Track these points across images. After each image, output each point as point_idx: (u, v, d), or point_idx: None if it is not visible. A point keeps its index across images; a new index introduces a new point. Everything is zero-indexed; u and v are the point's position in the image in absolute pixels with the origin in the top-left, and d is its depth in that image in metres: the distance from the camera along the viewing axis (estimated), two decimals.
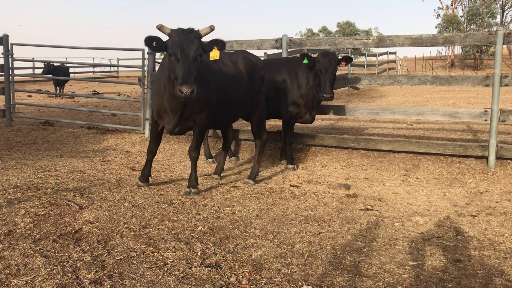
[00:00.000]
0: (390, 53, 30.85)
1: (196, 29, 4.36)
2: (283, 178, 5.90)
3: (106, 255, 3.18)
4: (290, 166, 6.36)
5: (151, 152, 5.16)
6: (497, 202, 4.87)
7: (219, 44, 4.47)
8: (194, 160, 4.98)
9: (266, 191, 5.11)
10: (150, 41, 4.32)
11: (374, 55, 28.16)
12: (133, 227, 3.76)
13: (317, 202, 4.75)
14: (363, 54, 28.05)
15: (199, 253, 3.23)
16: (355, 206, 4.63)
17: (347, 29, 52.75)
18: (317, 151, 7.07)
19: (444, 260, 3.22)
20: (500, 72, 5.96)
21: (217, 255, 3.21)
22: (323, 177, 5.94)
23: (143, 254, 3.22)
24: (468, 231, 3.87)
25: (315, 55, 6.35)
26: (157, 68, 11.97)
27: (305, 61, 6.27)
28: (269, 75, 6.30)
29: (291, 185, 5.48)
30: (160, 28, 4.31)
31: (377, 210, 4.48)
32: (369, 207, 4.60)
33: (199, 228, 3.74)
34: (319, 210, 4.44)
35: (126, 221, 3.90)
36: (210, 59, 4.50)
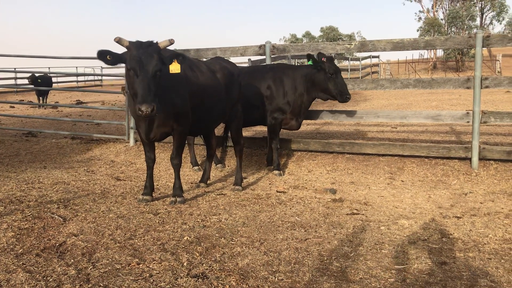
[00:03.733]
0: (373, 57, 31.18)
1: (155, 42, 4.25)
2: (270, 184, 5.90)
3: (90, 268, 3.13)
4: (276, 172, 6.35)
5: (150, 159, 5.02)
6: (481, 203, 4.92)
7: (179, 57, 4.35)
8: (176, 167, 4.94)
9: (252, 198, 5.10)
10: (102, 55, 4.20)
11: (358, 59, 28.41)
12: (118, 238, 3.72)
13: (304, 207, 4.75)
14: (347, 59, 28.27)
15: (185, 264, 3.20)
16: (341, 211, 4.64)
17: (331, 33, 53.14)
18: (303, 156, 7.09)
19: (429, 263, 3.24)
20: (480, 74, 6.04)
21: (204, 265, 3.19)
22: (309, 182, 5.95)
23: (129, 266, 3.18)
24: (453, 233, 3.90)
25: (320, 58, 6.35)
26: None
27: (310, 62, 6.27)
28: (253, 82, 6.31)
29: (277, 191, 5.48)
30: (119, 41, 4.15)
31: (363, 214, 4.50)
32: (355, 211, 4.62)
33: (185, 238, 3.71)
34: (305, 215, 4.44)
35: (111, 233, 3.85)
36: (170, 72, 4.36)
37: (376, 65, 34.36)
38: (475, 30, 5.91)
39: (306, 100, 6.44)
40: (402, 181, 5.95)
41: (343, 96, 6.19)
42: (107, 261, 3.25)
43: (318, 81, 6.28)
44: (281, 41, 54.97)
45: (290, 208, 4.71)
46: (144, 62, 4.02)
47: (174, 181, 5.00)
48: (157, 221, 4.18)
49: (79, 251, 3.43)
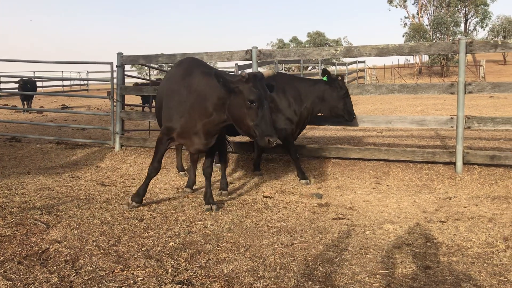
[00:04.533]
0: (359, 62, 31.41)
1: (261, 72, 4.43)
2: (256, 189, 5.89)
3: (74, 275, 3.09)
4: (303, 181, 6.11)
5: (155, 169, 4.92)
6: (465, 207, 4.97)
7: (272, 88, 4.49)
8: (209, 176, 5.05)
9: (239, 203, 5.09)
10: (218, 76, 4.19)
11: (344, 64, 28.60)
12: (102, 245, 3.68)
13: (290, 212, 4.75)
14: (333, 64, 28.45)
15: (170, 270, 3.18)
16: (327, 216, 4.65)
17: (317, 39, 53.41)
18: (289, 161, 7.10)
19: (414, 268, 3.26)
20: (464, 80, 6.12)
21: (188, 271, 3.17)
22: (296, 187, 5.96)
23: (113, 273, 3.15)
24: (438, 237, 3.93)
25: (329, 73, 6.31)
26: (127, 81, 11.90)
27: (324, 78, 6.15)
28: None
29: (264, 196, 5.48)
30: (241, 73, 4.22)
31: (348, 219, 4.52)
32: (340, 216, 4.63)
33: (170, 244, 3.69)
34: (291, 220, 4.44)
35: (95, 239, 3.81)
36: None
37: (362, 70, 34.63)
38: (459, 36, 5.98)
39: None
40: (388, 185, 5.98)
41: (351, 116, 6.15)
42: (91, 268, 3.21)
43: (329, 98, 6.15)
44: (268, 46, 55.09)
45: (276, 213, 4.71)
46: (265, 96, 4.13)
47: (205, 190, 5.00)
48: (142, 227, 4.14)
49: (62, 258, 3.39)
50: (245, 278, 3.08)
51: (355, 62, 31.28)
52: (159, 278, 3.06)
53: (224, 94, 4.22)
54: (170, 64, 14.67)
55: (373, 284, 2.99)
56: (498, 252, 3.55)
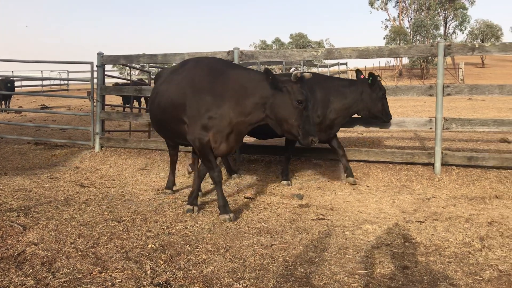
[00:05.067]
0: (341, 64, 31.65)
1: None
2: (237, 190, 5.89)
3: (50, 278, 3.05)
4: (350, 179, 6.11)
5: (220, 173, 4.71)
6: (443, 207, 5.04)
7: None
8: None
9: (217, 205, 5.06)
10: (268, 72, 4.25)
11: (326, 66, 28.77)
12: (80, 247, 3.64)
13: (271, 213, 4.76)
14: (315, 66, 28.61)
15: (148, 272, 3.15)
16: (307, 216, 4.67)
17: (300, 40, 53.69)
18: (271, 162, 7.11)
19: (392, 268, 3.30)
20: (442, 82, 6.21)
21: (167, 273, 3.15)
22: (277, 188, 5.97)
23: (90, 275, 3.11)
24: (416, 237, 3.98)
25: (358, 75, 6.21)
26: (108, 81, 11.77)
27: (369, 81, 5.96)
28: None
29: (245, 197, 5.47)
30: (297, 74, 4.24)
31: (328, 219, 4.54)
32: (321, 216, 4.66)
33: (150, 246, 3.66)
34: (272, 221, 4.45)
35: (73, 241, 3.76)
36: None
37: (344, 72, 34.91)
38: (438, 39, 6.08)
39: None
40: (367, 186, 6.04)
41: (388, 117, 6.11)
42: (68, 270, 3.17)
43: (367, 99, 6.00)
44: (251, 47, 55.22)
45: (257, 214, 4.71)
46: (310, 97, 4.27)
47: (193, 189, 5.00)
48: (121, 229, 4.10)
49: (38, 261, 3.34)
50: (225, 279, 3.07)
51: (337, 64, 31.51)
52: (138, 280, 3.03)
53: (268, 92, 4.27)
54: (152, 64, 14.56)
55: (352, 284, 3.01)
56: (474, 252, 3.61)
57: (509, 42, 6.20)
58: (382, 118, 6.13)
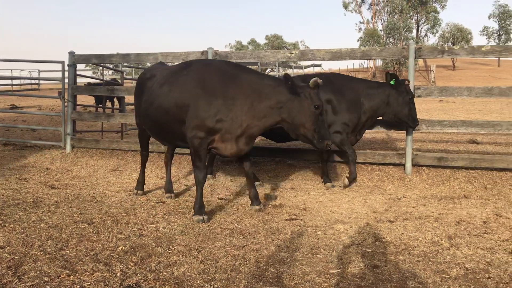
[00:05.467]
0: (316, 65, 31.91)
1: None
2: (211, 191, 5.87)
3: (16, 282, 2.97)
4: (348, 181, 5.94)
5: (205, 177, 4.76)
6: (413, 207, 5.13)
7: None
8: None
9: (192, 206, 5.03)
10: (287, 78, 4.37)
11: (301, 67, 28.95)
12: (49, 249, 3.56)
13: (244, 214, 4.76)
14: (290, 67, 28.76)
15: (118, 274, 3.11)
16: (280, 217, 4.68)
17: (275, 41, 53.92)
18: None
19: (362, 267, 3.34)
20: (413, 84, 6.32)
21: (138, 275, 3.11)
22: None
23: (58, 278, 3.05)
24: (386, 237, 4.03)
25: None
26: (80, 81, 11.57)
27: (392, 82, 5.85)
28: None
29: (218, 198, 5.46)
30: (315, 82, 4.36)
31: (301, 220, 4.57)
32: (293, 216, 4.68)
33: (120, 248, 3.61)
34: (245, 222, 4.45)
35: (41, 244, 3.68)
36: None
37: (318, 73, 35.15)
38: (409, 42, 6.23)
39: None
40: (340, 186, 6.09)
41: (415, 122, 5.95)
42: (35, 274, 3.10)
43: (394, 102, 5.89)
44: (227, 48, 55.15)
45: (231, 215, 4.70)
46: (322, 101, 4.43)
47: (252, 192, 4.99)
48: (91, 231, 4.04)
49: (4, 264, 3.25)
50: (196, 280, 3.05)
51: (312, 65, 31.74)
52: (107, 283, 2.99)
53: (286, 97, 4.35)
54: (125, 64, 14.38)
55: (323, 284, 3.04)
56: (442, 250, 3.68)
57: (477, 45, 6.36)
58: (408, 123, 5.97)
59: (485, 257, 3.53)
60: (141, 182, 5.66)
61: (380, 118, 6.21)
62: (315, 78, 4.40)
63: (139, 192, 5.56)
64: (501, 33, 56.26)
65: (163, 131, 4.95)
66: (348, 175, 5.98)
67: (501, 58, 51.17)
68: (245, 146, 4.59)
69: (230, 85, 4.46)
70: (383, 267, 3.34)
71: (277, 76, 6.08)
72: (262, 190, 5.87)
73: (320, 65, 33.49)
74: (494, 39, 56.28)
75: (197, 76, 4.63)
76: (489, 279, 3.11)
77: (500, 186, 5.87)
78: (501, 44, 37.24)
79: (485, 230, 4.21)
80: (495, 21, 57.29)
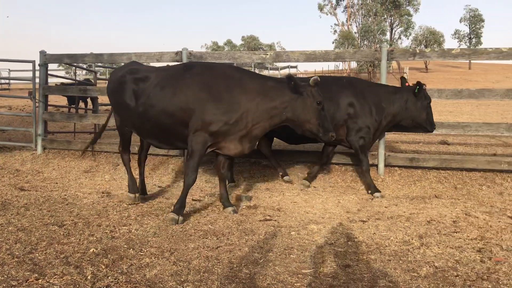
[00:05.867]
0: (292, 67, 32.08)
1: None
2: None
3: None
4: (377, 194, 5.72)
5: (195, 179, 4.72)
6: (385, 207, 5.21)
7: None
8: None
9: (166, 207, 5.00)
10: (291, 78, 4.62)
11: (277, 69, 29.07)
12: (17, 253, 3.48)
13: (218, 215, 4.75)
14: (266, 68, 28.85)
15: (89, 277, 3.06)
16: (254, 217, 4.69)
17: (251, 43, 54.01)
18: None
19: (334, 266, 3.37)
20: None
21: (109, 278, 3.07)
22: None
23: (26, 282, 2.98)
24: (358, 236, 4.08)
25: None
26: (53, 81, 11.33)
27: (416, 90, 5.75)
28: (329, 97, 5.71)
29: (193, 200, 5.43)
30: (315, 80, 4.61)
31: (275, 220, 4.58)
32: (268, 217, 4.69)
33: (91, 250, 3.55)
34: (219, 223, 4.44)
35: (9, 247, 3.59)
36: None
37: (294, 75, 35.34)
38: (384, 44, 6.35)
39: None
40: (314, 187, 6.14)
41: (432, 126, 5.87)
42: (2, 278, 3.02)
43: (412, 107, 5.81)
44: (203, 48, 54.95)
45: (204, 217, 4.69)
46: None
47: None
48: (61, 233, 3.96)
49: None
50: (168, 282, 3.03)
51: (287, 67, 31.90)
52: (77, 286, 2.94)
53: (290, 97, 4.57)
54: (98, 64, 14.17)
55: (295, 284, 3.06)
56: (413, 249, 3.74)
57: (447, 48, 6.50)
58: (426, 127, 5.90)
59: (454, 255, 3.61)
60: (133, 183, 5.29)
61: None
62: (315, 77, 4.66)
63: (136, 195, 5.22)
64: (472, 37, 57.61)
65: (163, 133, 4.84)
66: (369, 189, 5.87)
67: (472, 61, 52.48)
68: (249, 146, 4.74)
69: (235, 89, 4.59)
70: (355, 266, 3.38)
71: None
72: (237, 191, 5.87)
73: (295, 67, 33.70)
74: (465, 42, 57.61)
75: (202, 80, 4.68)
76: (457, 277, 3.18)
77: (470, 186, 6.00)
78: (471, 47, 38.13)
79: (455, 229, 4.30)
80: (466, 25, 58.65)
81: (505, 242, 3.91)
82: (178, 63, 6.70)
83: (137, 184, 5.36)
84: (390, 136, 9.32)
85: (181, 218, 4.45)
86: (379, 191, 5.75)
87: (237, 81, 4.64)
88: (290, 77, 4.60)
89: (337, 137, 5.61)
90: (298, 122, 4.62)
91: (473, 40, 57.31)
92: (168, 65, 5.63)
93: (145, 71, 5.09)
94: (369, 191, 5.82)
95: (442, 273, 3.25)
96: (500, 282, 3.09)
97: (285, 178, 6.20)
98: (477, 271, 3.29)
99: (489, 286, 3.04)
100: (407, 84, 6.03)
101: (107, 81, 5.38)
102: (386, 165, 6.52)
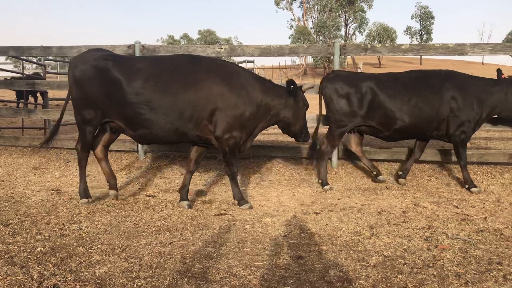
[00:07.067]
0: (249, 61, 32.06)
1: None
2: (139, 188, 5.75)
3: None
4: (475, 189, 5.61)
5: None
6: (338, 199, 5.31)
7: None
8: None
9: (119, 204, 4.91)
10: (291, 83, 5.01)
11: (233, 63, 28.94)
12: None
13: (172, 211, 4.70)
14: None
15: (35, 277, 2.96)
16: (209, 212, 4.67)
17: (208, 37, 53.64)
18: (175, 159, 7.02)
19: (287, 258, 3.40)
20: None
21: (57, 276, 2.97)
22: None
23: None
24: (311, 228, 4.14)
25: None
26: (0, 75, 10.86)
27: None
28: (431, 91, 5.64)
29: (146, 196, 5.35)
30: (302, 88, 5.19)
31: (230, 214, 4.58)
32: (223, 211, 4.68)
33: (38, 249, 3.43)
34: (173, 219, 4.39)
35: None
36: None
37: (251, 70, 35.41)
38: (336, 40, 6.45)
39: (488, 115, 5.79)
40: (270, 180, 6.19)
41: None
42: None
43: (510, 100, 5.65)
44: (159, 42, 54.10)
45: (158, 212, 4.63)
46: None
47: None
48: (7, 233, 3.81)
49: None
50: (119, 279, 2.97)
51: (245, 61, 31.86)
52: (23, 286, 2.83)
53: (287, 99, 4.99)
54: (48, 57, 13.69)
55: (248, 277, 3.07)
56: (363, 240, 3.84)
57: (397, 44, 6.67)
58: None
59: (403, 244, 3.73)
60: (85, 189, 4.98)
61: None
62: (308, 85, 5.37)
63: (89, 199, 4.94)
64: (423, 33, 59.56)
65: (166, 130, 4.67)
66: (466, 184, 5.72)
67: (423, 57, 54.19)
68: (251, 142, 5.14)
69: (249, 88, 4.85)
70: (307, 257, 3.43)
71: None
72: (193, 187, 5.83)
73: (253, 61, 33.72)
74: (417, 38, 59.52)
75: (219, 77, 4.75)
76: (405, 265, 3.29)
77: (419, 177, 6.21)
78: (419, 43, 39.34)
79: (404, 219, 4.44)
80: (417, 21, 60.58)
81: (451, 231, 4.07)
82: (172, 54, 6.52)
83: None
84: None
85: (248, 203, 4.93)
86: (476, 186, 5.65)
87: (248, 80, 4.90)
88: (290, 81, 4.99)
89: (438, 132, 5.69)
90: (290, 123, 5.07)
91: (424, 36, 59.28)
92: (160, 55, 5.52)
93: (137, 62, 4.82)
94: (466, 186, 5.69)
95: (391, 262, 3.35)
96: (445, 269, 3.21)
97: (379, 177, 5.98)
98: (424, 259, 3.41)
99: (435, 272, 3.15)
100: (503, 76, 5.89)
101: (71, 70, 4.79)
102: (339, 158, 6.64)
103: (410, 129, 5.67)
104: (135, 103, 4.58)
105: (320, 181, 5.88)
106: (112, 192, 5.02)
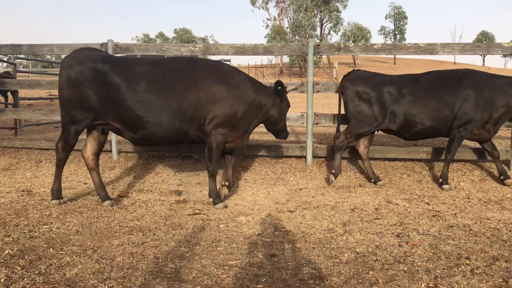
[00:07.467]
0: (225, 60, 32.01)
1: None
2: (112, 188, 5.67)
3: None
4: (446, 186, 5.74)
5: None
6: (312, 197, 5.35)
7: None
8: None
9: (91, 204, 4.84)
10: (280, 84, 5.24)
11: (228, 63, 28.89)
12: None
13: (146, 211, 4.65)
14: None
15: (2, 280, 2.89)
16: (183, 212, 4.65)
17: (184, 35, 53.35)
18: (149, 159, 6.96)
19: (261, 256, 3.41)
20: (312, 79, 6.57)
21: (25, 279, 2.91)
22: (155, 185, 5.86)
23: None
24: (285, 226, 4.16)
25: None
26: None
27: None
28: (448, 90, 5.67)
29: (119, 196, 5.29)
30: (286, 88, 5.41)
31: (204, 214, 4.57)
32: (197, 211, 4.67)
33: (6, 252, 3.36)
34: (146, 219, 4.35)
35: None
36: None
37: None
38: (310, 39, 6.52)
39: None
40: (245, 179, 6.19)
41: None
42: None
43: None
44: (134, 40, 53.53)
45: (131, 213, 4.58)
46: None
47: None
48: None
49: None
50: (89, 281, 2.93)
51: (221, 60, 31.81)
52: None
53: (275, 99, 5.19)
54: (20, 56, 13.36)
55: (221, 276, 3.06)
56: (336, 237, 3.88)
57: (369, 43, 6.76)
58: None
59: (374, 241, 3.78)
60: (58, 190, 4.88)
61: None
62: (291, 86, 5.70)
63: (61, 200, 4.86)
64: (397, 33, 60.44)
65: (169, 131, 4.71)
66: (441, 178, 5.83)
67: (396, 56, 55.03)
68: (247, 140, 5.32)
69: (243, 88, 4.98)
70: (280, 255, 3.44)
71: None
72: (167, 186, 5.79)
73: (229, 61, 33.65)
74: (390, 38, 60.36)
75: (217, 76, 4.91)
76: (376, 261, 3.33)
77: (392, 175, 6.30)
78: (391, 42, 39.94)
79: (376, 216, 4.50)
80: (391, 22, 61.46)
81: (422, 227, 4.15)
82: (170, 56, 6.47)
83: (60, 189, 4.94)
84: (318, 129, 9.58)
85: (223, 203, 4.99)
86: (448, 183, 5.77)
87: (242, 80, 5.06)
88: (279, 82, 5.22)
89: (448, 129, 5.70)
90: (276, 121, 5.30)
91: (398, 36, 60.17)
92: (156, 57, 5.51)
93: (130, 62, 4.81)
94: (440, 180, 5.81)
95: (363, 258, 3.39)
96: (415, 264, 3.27)
97: (379, 183, 5.93)
98: (395, 255, 3.47)
99: (405, 268, 3.20)
100: None
101: (64, 69, 4.50)
102: (314, 157, 6.68)
103: (429, 131, 5.81)
104: (136, 105, 4.56)
105: (333, 171, 5.95)
106: (106, 203, 4.84)
